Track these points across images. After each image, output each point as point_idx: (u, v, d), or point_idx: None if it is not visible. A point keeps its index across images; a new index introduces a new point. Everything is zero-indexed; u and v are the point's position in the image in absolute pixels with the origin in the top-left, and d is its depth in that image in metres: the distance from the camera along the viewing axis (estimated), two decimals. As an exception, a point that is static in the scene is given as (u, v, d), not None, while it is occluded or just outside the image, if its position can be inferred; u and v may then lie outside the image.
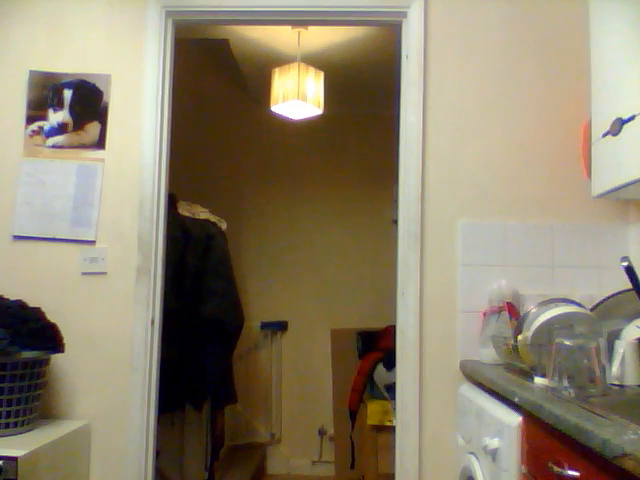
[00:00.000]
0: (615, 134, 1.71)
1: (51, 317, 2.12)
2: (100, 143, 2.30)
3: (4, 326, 1.97)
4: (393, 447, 2.24)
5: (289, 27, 2.96)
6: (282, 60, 3.13)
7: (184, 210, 3.10)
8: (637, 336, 1.60)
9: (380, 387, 3.22)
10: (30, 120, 2.31)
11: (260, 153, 4.21)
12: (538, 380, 1.58)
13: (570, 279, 2.17)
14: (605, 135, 1.78)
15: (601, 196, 1.87)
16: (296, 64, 2.98)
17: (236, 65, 3.54)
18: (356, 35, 3.08)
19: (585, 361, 1.44)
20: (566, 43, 2.25)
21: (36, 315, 2.09)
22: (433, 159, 2.24)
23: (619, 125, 1.68)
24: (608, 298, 1.88)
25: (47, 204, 2.28)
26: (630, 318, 1.70)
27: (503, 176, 2.23)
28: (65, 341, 2.12)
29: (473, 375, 2.00)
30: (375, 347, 3.49)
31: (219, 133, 4.18)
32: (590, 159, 1.91)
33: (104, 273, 2.26)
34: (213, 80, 4.01)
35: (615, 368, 1.58)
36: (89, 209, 2.28)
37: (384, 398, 3.15)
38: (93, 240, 2.27)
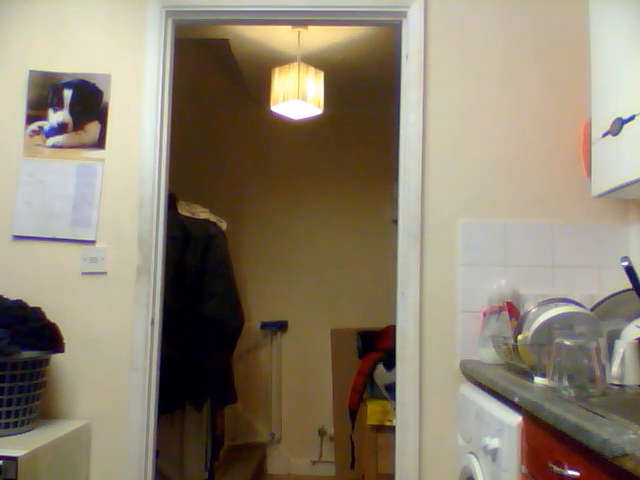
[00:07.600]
0: (615, 134, 1.71)
1: (51, 317, 2.12)
2: (100, 143, 2.30)
3: (4, 326, 1.97)
4: (393, 447, 2.24)
5: (289, 27, 2.96)
6: (282, 60, 3.12)
7: (184, 210, 3.10)
8: (637, 336, 1.60)
9: (380, 387, 3.22)
10: (30, 120, 2.31)
11: (260, 153, 4.21)
12: (538, 380, 1.58)
13: (570, 279, 2.17)
14: (605, 135, 1.78)
15: (601, 196, 1.87)
16: (296, 64, 2.98)
17: (236, 65, 3.54)
18: (356, 35, 3.08)
19: (585, 361, 1.44)
20: (566, 43, 2.25)
21: (36, 315, 2.10)
22: (433, 159, 2.24)
23: (619, 125, 1.68)
24: (608, 298, 1.88)
25: (47, 204, 2.28)
26: (630, 318, 1.70)
27: (503, 176, 2.23)
28: (65, 341, 2.12)
29: (473, 375, 2.00)
30: (375, 347, 3.49)
31: (219, 133, 4.18)
32: (590, 159, 1.92)
33: (104, 273, 2.26)
34: (213, 80, 4.00)
35: (615, 368, 1.58)
36: (89, 209, 2.28)
37: (384, 398, 3.15)
38: (93, 240, 2.27)
